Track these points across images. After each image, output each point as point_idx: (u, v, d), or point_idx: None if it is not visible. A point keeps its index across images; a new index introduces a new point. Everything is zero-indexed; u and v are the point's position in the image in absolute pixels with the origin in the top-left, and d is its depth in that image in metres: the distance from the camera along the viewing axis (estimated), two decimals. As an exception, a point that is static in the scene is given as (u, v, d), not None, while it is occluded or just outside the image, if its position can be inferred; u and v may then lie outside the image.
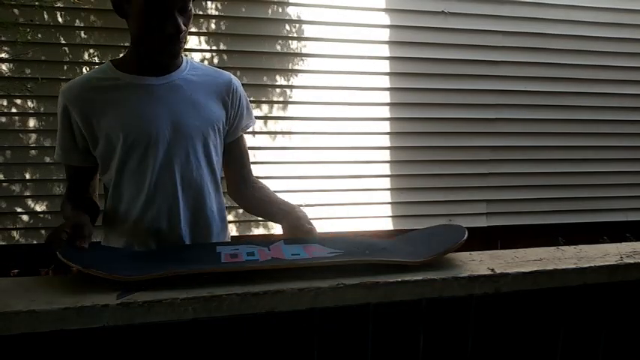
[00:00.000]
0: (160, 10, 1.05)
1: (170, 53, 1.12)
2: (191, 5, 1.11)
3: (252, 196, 1.34)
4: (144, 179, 1.16)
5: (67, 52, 3.08)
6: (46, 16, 3.02)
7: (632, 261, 1.02)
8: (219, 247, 1.07)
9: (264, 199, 1.31)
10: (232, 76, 1.29)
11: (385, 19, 3.61)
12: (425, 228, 1.24)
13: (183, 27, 1.08)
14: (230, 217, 3.37)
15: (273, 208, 1.26)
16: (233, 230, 3.42)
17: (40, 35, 3.01)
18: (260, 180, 1.39)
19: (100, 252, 1.10)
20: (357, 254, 0.99)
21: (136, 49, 1.15)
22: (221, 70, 1.31)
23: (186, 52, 3.26)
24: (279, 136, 3.47)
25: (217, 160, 1.27)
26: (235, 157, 1.33)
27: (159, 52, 1.12)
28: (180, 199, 1.19)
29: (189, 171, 1.19)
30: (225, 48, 3.36)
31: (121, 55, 1.23)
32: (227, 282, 0.85)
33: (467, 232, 1.02)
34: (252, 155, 3.46)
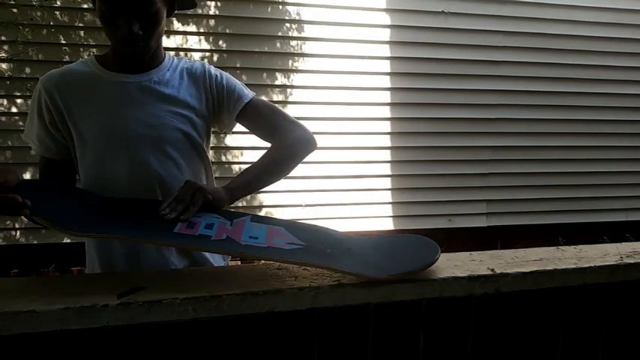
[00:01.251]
0: (110, 14, 1.05)
1: (131, 55, 1.11)
2: (157, 7, 1.08)
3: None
4: (117, 178, 1.14)
5: (67, 52, 3.09)
6: (46, 16, 3.02)
7: (632, 261, 1.02)
8: None
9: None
10: (205, 63, 1.28)
11: (386, 19, 3.61)
12: (399, 235, 1.15)
13: (137, 31, 1.06)
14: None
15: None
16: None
17: (40, 35, 3.01)
18: (288, 136, 1.27)
19: (59, 193, 1.08)
20: (317, 253, 0.94)
21: (112, 46, 1.16)
22: (195, 61, 1.29)
23: (187, 52, 3.26)
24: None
25: (199, 152, 1.24)
26: (252, 126, 1.29)
27: (120, 53, 1.13)
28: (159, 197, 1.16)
29: (167, 170, 1.17)
30: (225, 47, 3.36)
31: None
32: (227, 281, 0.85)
33: (439, 252, 0.95)
34: (253, 154, 3.43)
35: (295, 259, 0.90)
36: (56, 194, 1.06)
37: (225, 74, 1.29)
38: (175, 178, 1.17)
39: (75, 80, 1.15)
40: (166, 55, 1.25)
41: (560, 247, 1.11)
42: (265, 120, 1.29)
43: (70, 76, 1.15)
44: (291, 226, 1.06)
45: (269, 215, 3.51)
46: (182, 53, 3.24)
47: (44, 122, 1.15)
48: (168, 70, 1.21)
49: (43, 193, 1.00)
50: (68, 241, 3.09)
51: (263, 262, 0.94)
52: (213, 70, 1.27)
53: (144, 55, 1.13)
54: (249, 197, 3.43)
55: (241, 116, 1.27)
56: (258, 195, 3.44)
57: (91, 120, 1.13)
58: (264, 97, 3.43)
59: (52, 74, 1.16)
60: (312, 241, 0.99)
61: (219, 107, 1.26)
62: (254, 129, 1.30)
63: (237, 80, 1.31)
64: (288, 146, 1.27)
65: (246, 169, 1.23)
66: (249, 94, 1.29)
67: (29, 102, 3.04)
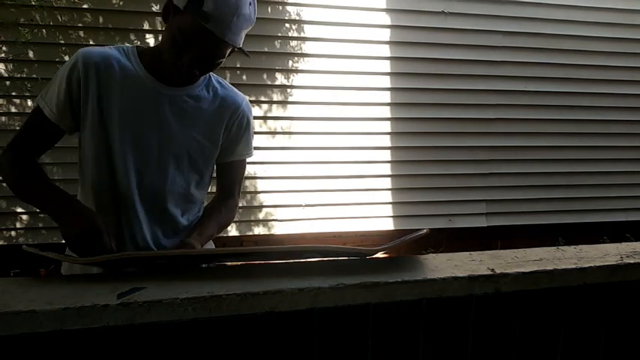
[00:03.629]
0: (182, 44, 1.04)
1: (177, 81, 1.12)
2: (224, 59, 1.09)
3: (206, 209, 1.32)
4: (128, 183, 1.14)
5: (67, 52, 3.08)
6: (45, 16, 3.02)
7: (632, 261, 1.02)
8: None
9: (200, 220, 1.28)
10: (245, 100, 1.27)
11: (386, 19, 3.61)
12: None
13: (195, 72, 1.07)
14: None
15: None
16: (233, 229, 3.42)
17: (40, 35, 3.01)
18: (233, 206, 1.35)
19: None
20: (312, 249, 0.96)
21: (162, 56, 1.13)
22: (238, 92, 1.28)
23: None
24: (278, 135, 3.47)
25: (202, 179, 1.26)
26: (222, 175, 1.33)
27: (168, 73, 1.11)
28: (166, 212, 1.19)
29: (175, 186, 1.19)
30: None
31: (151, 45, 1.20)
32: (226, 280, 0.85)
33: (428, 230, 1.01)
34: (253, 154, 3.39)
35: (301, 249, 0.91)
36: None
37: (252, 122, 1.31)
38: (179, 195, 1.20)
39: (114, 68, 1.12)
40: None
41: (560, 247, 1.11)
42: (233, 179, 1.34)
43: (109, 62, 1.12)
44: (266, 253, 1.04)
45: (269, 216, 3.51)
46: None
47: (71, 96, 1.11)
48: (201, 86, 1.20)
49: None
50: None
51: (264, 262, 0.94)
52: (247, 112, 1.27)
53: (189, 84, 1.15)
54: (249, 197, 3.43)
55: (228, 165, 1.30)
56: (258, 195, 3.44)
57: (114, 116, 1.11)
58: (263, 97, 3.45)
59: (92, 52, 1.12)
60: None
61: (226, 146, 1.26)
62: (220, 177, 1.33)
63: (252, 132, 1.32)
64: (229, 219, 1.34)
65: (207, 224, 1.24)
66: (251, 152, 1.32)
67: (29, 102, 3.05)
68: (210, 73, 1.23)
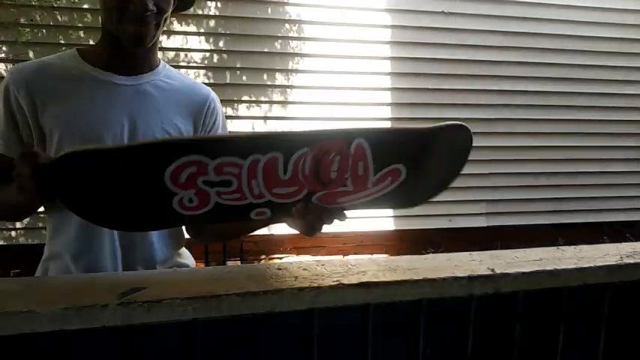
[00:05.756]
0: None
1: (135, 37, 0.99)
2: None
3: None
4: None
5: (67, 52, 3.08)
6: (45, 16, 3.02)
7: (632, 261, 1.02)
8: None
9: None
10: (211, 92, 1.17)
11: (386, 19, 3.61)
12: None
13: (150, 6, 0.96)
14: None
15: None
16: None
17: (40, 35, 3.01)
18: None
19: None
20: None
21: (104, 39, 1.05)
22: (200, 84, 1.20)
23: (186, 52, 3.26)
24: (279, 136, 3.47)
25: None
26: None
27: (122, 33, 0.99)
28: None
29: None
30: (225, 48, 3.36)
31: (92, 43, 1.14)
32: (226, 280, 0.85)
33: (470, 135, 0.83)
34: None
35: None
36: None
37: (222, 110, 1.20)
38: None
39: (51, 75, 1.02)
40: (161, 61, 1.15)
41: (560, 247, 1.11)
42: None
43: (46, 71, 1.03)
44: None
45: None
46: (182, 54, 3.24)
47: (14, 122, 1.02)
48: (161, 76, 1.11)
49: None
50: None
51: (263, 262, 0.93)
52: (216, 103, 1.17)
53: (146, 40, 1.01)
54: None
55: None
56: (258, 195, 3.44)
57: (61, 119, 1.01)
58: (263, 98, 3.45)
59: (22, 68, 1.03)
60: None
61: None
62: None
63: (224, 119, 1.21)
64: None
65: None
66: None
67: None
68: (170, 67, 1.15)
